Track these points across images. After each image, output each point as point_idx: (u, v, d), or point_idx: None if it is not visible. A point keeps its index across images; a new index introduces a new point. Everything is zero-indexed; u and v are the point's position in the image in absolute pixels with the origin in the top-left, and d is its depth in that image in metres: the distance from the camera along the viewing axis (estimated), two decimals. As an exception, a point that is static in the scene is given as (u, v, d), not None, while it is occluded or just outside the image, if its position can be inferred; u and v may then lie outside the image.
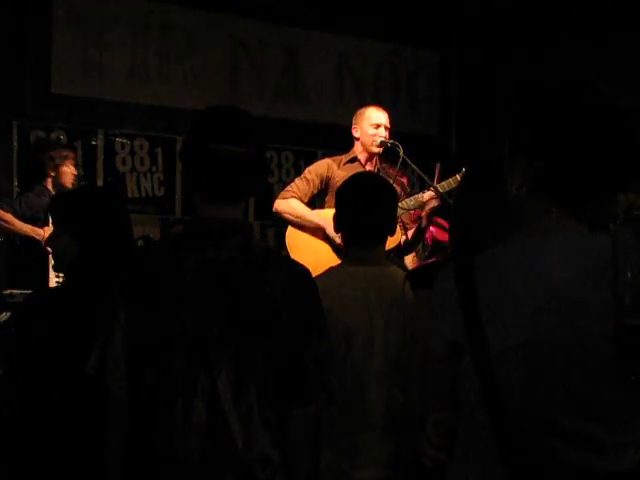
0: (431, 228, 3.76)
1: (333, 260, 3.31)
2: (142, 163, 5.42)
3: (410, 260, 3.89)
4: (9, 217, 4.40)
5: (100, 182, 5.24)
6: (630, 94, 1.27)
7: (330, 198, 3.58)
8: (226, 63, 5.62)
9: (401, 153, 3.62)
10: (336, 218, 2.25)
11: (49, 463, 1.89)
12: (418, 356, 1.99)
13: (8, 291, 4.09)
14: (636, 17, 4.47)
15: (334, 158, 3.77)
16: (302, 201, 3.64)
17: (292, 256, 3.25)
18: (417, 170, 3.77)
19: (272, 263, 1.66)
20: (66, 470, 1.86)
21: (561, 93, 1.32)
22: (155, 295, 1.61)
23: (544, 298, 1.23)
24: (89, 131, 5.24)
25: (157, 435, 1.58)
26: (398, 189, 3.54)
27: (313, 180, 3.65)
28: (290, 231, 3.67)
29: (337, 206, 2.24)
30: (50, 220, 4.39)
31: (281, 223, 3.79)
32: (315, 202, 3.70)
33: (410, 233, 3.62)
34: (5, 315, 3.72)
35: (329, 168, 3.67)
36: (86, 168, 5.22)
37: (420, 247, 3.87)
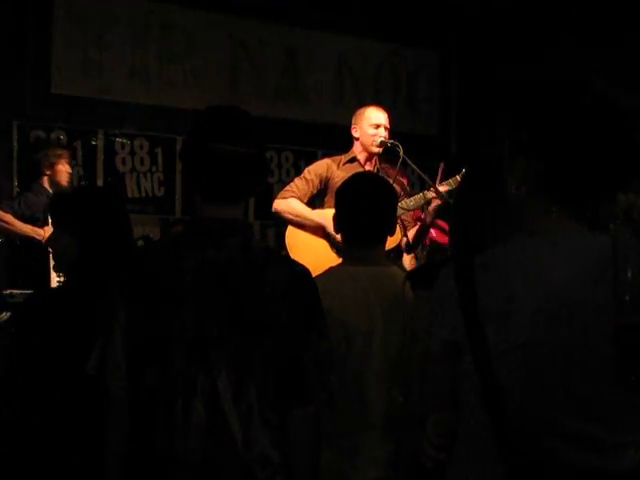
0: (431, 230, 3.76)
1: (333, 260, 3.31)
2: (142, 163, 5.42)
3: (408, 261, 3.88)
4: (9, 218, 4.40)
5: (100, 182, 5.24)
6: (630, 94, 1.27)
7: (329, 198, 3.58)
8: (226, 63, 5.62)
9: (401, 153, 3.61)
10: (336, 218, 2.25)
11: (49, 463, 1.89)
12: (418, 356, 1.99)
13: (8, 291, 4.09)
14: (636, 17, 4.47)
15: (333, 158, 3.76)
16: (301, 201, 3.64)
17: (292, 256, 3.24)
18: (417, 170, 3.77)
19: (272, 263, 1.66)
20: (66, 470, 1.86)
21: (561, 93, 1.32)
22: (155, 295, 1.61)
23: (544, 298, 1.23)
24: (89, 131, 5.25)
25: (157, 435, 1.58)
26: (398, 189, 3.54)
27: (312, 180, 3.65)
28: (290, 231, 3.67)
29: (337, 206, 2.24)
30: (50, 220, 4.40)
31: (281, 223, 3.78)
32: (314, 202, 3.69)
33: (413, 231, 3.60)
34: (5, 315, 3.72)
35: (328, 168, 3.67)
36: (86, 168, 5.23)
37: (419, 248, 3.87)
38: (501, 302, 1.27)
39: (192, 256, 1.61)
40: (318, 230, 3.59)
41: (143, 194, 5.41)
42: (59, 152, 4.71)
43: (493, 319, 1.26)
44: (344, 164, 3.70)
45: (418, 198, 3.64)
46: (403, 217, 3.59)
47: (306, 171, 3.73)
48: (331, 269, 2.20)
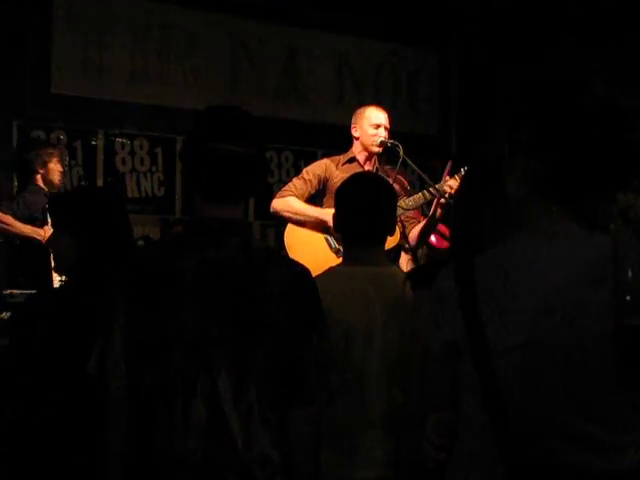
0: (432, 236, 3.75)
1: (332, 260, 3.31)
2: (142, 163, 5.42)
3: (405, 262, 3.88)
4: (9, 219, 4.41)
5: (100, 182, 5.24)
6: (630, 94, 1.27)
7: (328, 199, 3.57)
8: (226, 63, 5.62)
9: (401, 153, 3.61)
10: (335, 218, 2.25)
11: (49, 463, 1.89)
12: (418, 356, 1.99)
13: (8, 291, 4.09)
14: (636, 17, 4.47)
15: (332, 158, 3.76)
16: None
17: (291, 256, 3.24)
18: (417, 170, 3.76)
19: (272, 263, 1.66)
20: (66, 470, 1.86)
21: (560, 93, 1.32)
22: (155, 295, 1.61)
23: (544, 298, 1.23)
24: (89, 131, 5.25)
25: (157, 435, 1.58)
26: (398, 189, 3.53)
27: (310, 180, 3.64)
28: (289, 231, 3.67)
29: (336, 206, 2.24)
30: (49, 219, 4.41)
31: (281, 223, 3.78)
32: (313, 203, 3.69)
33: (419, 227, 3.59)
34: (5, 315, 3.72)
35: (327, 169, 3.66)
36: (86, 168, 5.23)
37: (418, 251, 3.86)
38: (501, 302, 1.27)
39: (192, 256, 1.61)
40: (318, 227, 3.58)
41: (143, 194, 5.41)
42: (50, 151, 4.73)
43: (493, 319, 1.27)
44: (343, 164, 3.69)
45: (417, 198, 3.63)
46: (403, 217, 3.59)
47: (304, 171, 3.73)
48: (331, 269, 2.20)
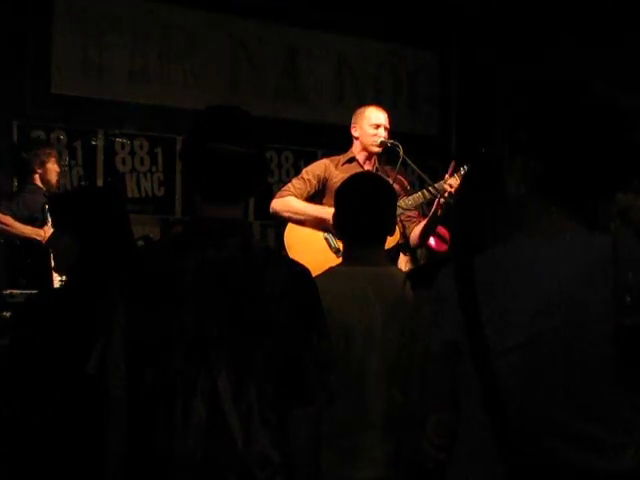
0: (431, 238, 3.74)
1: (332, 260, 3.31)
2: (142, 163, 5.42)
3: (404, 263, 3.88)
4: (9, 220, 4.40)
5: (100, 182, 5.24)
6: (630, 94, 1.27)
7: (328, 199, 3.56)
8: (226, 63, 5.62)
9: (401, 153, 3.61)
10: (335, 218, 2.25)
11: (49, 463, 1.89)
12: (418, 356, 1.99)
13: (8, 291, 4.09)
14: (636, 17, 4.47)
15: (332, 158, 3.76)
16: None
17: (291, 256, 3.24)
18: (417, 170, 3.76)
19: (272, 263, 1.66)
20: (66, 470, 1.86)
21: (560, 93, 1.32)
22: (155, 295, 1.61)
23: (544, 298, 1.23)
24: (89, 131, 5.25)
25: (157, 435, 1.58)
26: (398, 189, 3.53)
27: (310, 180, 3.64)
28: (289, 231, 3.67)
29: (336, 206, 2.24)
30: (48, 219, 4.41)
31: (281, 223, 3.78)
32: (313, 202, 3.69)
33: (420, 226, 3.59)
34: (6, 314, 3.72)
35: (326, 169, 3.66)
36: (86, 168, 5.23)
37: (417, 251, 3.86)
38: (501, 302, 1.27)
39: (192, 256, 1.62)
40: (318, 226, 3.58)
41: (143, 194, 5.41)
42: (49, 151, 4.74)
43: (493, 319, 1.27)
44: (343, 164, 3.69)
45: (417, 197, 3.63)
46: (403, 217, 3.59)
47: (304, 171, 3.73)
48: (331, 269, 2.20)
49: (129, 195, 5.33)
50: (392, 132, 3.72)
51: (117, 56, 5.24)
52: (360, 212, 2.16)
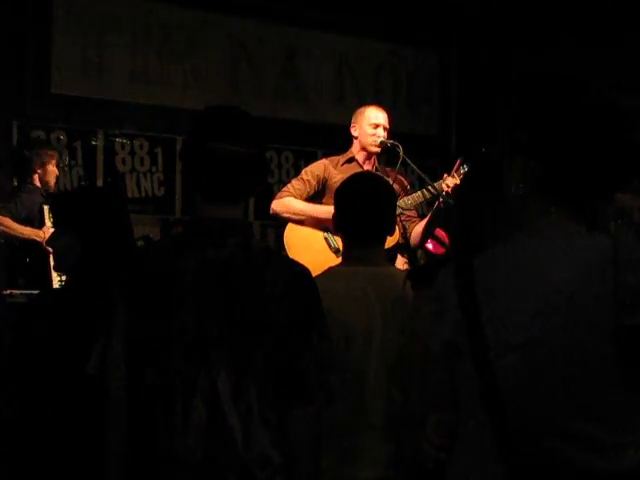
0: (428, 241, 3.75)
1: (332, 260, 3.31)
2: (142, 163, 5.42)
3: (401, 264, 3.88)
4: (8, 222, 4.39)
5: (100, 182, 5.24)
6: (630, 94, 1.27)
7: (328, 199, 3.57)
8: (226, 63, 5.62)
9: (401, 153, 3.61)
10: (335, 218, 2.25)
11: (49, 463, 1.89)
12: (418, 356, 1.99)
13: (8, 291, 4.09)
14: (636, 17, 4.47)
15: (331, 159, 3.76)
16: None
17: (290, 256, 3.24)
18: (417, 170, 3.77)
19: (272, 263, 1.66)
20: (66, 470, 1.86)
21: (560, 93, 1.32)
22: (155, 295, 1.61)
23: (544, 298, 1.23)
24: (89, 131, 5.25)
25: (157, 435, 1.58)
26: (398, 189, 3.53)
27: (309, 181, 3.65)
28: (288, 231, 3.67)
29: (336, 206, 2.24)
30: (46, 219, 4.41)
31: (281, 223, 3.78)
32: (313, 203, 3.69)
33: (422, 224, 3.59)
34: None
35: (326, 169, 3.67)
36: (86, 168, 5.23)
37: (417, 252, 3.86)
38: (501, 302, 1.27)
39: (192, 256, 1.61)
40: (318, 225, 3.58)
41: (143, 194, 5.41)
42: (50, 152, 4.72)
43: (493, 319, 1.27)
44: (342, 164, 3.70)
45: (416, 197, 3.64)
46: (403, 217, 3.59)
47: (303, 172, 3.74)
48: (330, 269, 2.20)
49: (129, 195, 5.33)
50: (392, 132, 3.72)
51: (117, 56, 5.23)
52: (360, 212, 2.16)
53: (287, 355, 1.61)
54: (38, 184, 4.63)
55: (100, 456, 1.63)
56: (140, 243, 4.06)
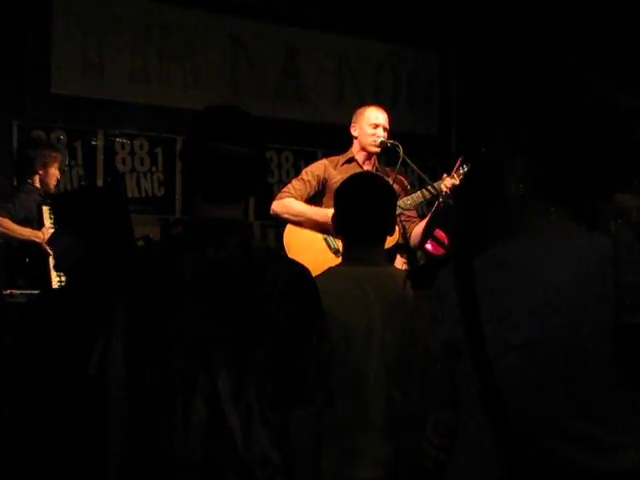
0: (427, 242, 3.75)
1: (331, 260, 3.31)
2: (142, 163, 5.41)
3: (400, 265, 3.88)
4: (7, 223, 4.38)
5: (100, 182, 5.23)
6: (630, 94, 1.27)
7: (328, 199, 3.58)
8: (226, 63, 5.61)
9: (401, 153, 3.62)
10: (335, 218, 2.25)
11: (49, 463, 1.89)
12: (418, 356, 1.99)
13: (8, 291, 4.09)
14: (636, 17, 4.47)
15: (331, 159, 3.76)
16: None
17: (290, 256, 3.24)
18: (417, 170, 3.77)
19: (272, 263, 1.66)
20: (66, 470, 1.86)
21: (560, 93, 1.32)
22: (155, 295, 1.61)
23: (544, 298, 1.23)
24: (89, 131, 5.24)
25: (157, 435, 1.58)
26: (398, 189, 3.54)
27: (309, 181, 3.65)
28: (288, 231, 3.67)
29: (336, 206, 2.24)
30: (45, 219, 4.41)
31: (281, 223, 3.79)
32: (313, 204, 3.69)
33: (422, 224, 3.59)
34: None
35: (326, 169, 3.67)
36: (86, 168, 5.23)
37: (416, 253, 3.86)
38: (501, 302, 1.27)
39: (192, 256, 1.62)
40: (317, 228, 3.59)
41: (143, 194, 5.41)
42: (54, 155, 4.68)
43: (493, 319, 1.27)
44: (342, 165, 3.70)
45: (416, 197, 3.64)
46: (403, 217, 3.59)
47: (303, 172, 3.74)
48: (330, 269, 2.20)
49: (129, 195, 5.32)
50: (392, 132, 3.73)
51: (117, 56, 5.23)
52: (360, 212, 2.16)
53: (287, 355, 1.61)
54: (38, 185, 4.60)
55: (100, 456, 1.63)
56: (140, 243, 4.07)
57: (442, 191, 3.49)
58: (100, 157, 5.27)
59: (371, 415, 2.06)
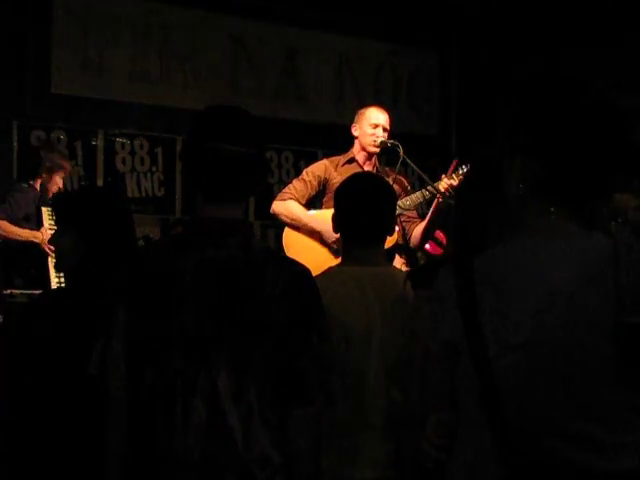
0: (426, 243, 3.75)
1: (331, 260, 3.32)
2: (142, 163, 5.42)
3: (399, 265, 3.88)
4: (5, 225, 4.36)
5: (100, 182, 5.24)
6: (630, 94, 1.27)
7: (328, 200, 3.58)
8: (226, 63, 5.62)
9: (401, 153, 3.62)
10: (335, 218, 2.25)
11: (49, 463, 1.89)
12: (418, 356, 1.99)
13: (8, 291, 4.09)
14: (636, 17, 4.47)
15: (331, 159, 3.77)
16: (300, 202, 3.64)
17: (290, 256, 3.24)
18: (417, 170, 3.77)
19: (272, 263, 1.66)
20: (66, 470, 1.86)
21: (560, 93, 1.32)
22: (155, 295, 1.61)
23: (544, 298, 1.23)
24: (89, 131, 5.25)
25: (157, 435, 1.58)
26: (398, 189, 3.54)
27: (310, 182, 3.66)
28: (287, 231, 3.68)
29: (336, 206, 2.24)
30: (44, 220, 4.40)
31: (281, 223, 3.79)
32: (313, 204, 3.70)
33: (422, 224, 3.60)
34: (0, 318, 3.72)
35: (326, 169, 3.68)
36: (86, 168, 5.23)
37: (416, 253, 3.86)
38: (500, 302, 1.27)
39: (192, 256, 1.61)
40: (315, 234, 3.60)
41: (143, 194, 5.41)
42: (64, 163, 4.60)
43: (492, 319, 1.27)
44: (343, 165, 3.71)
45: (415, 197, 3.64)
46: (403, 217, 3.59)
47: (304, 172, 3.74)
48: (330, 269, 2.20)
49: (129, 195, 5.33)
50: (392, 132, 3.73)
51: (117, 56, 5.24)
52: (360, 212, 2.16)
53: (287, 355, 1.61)
54: (37, 187, 4.54)
55: (100, 456, 1.63)
56: (140, 243, 4.07)
57: (442, 192, 3.49)
58: (100, 157, 5.27)
59: (371, 415, 2.06)
